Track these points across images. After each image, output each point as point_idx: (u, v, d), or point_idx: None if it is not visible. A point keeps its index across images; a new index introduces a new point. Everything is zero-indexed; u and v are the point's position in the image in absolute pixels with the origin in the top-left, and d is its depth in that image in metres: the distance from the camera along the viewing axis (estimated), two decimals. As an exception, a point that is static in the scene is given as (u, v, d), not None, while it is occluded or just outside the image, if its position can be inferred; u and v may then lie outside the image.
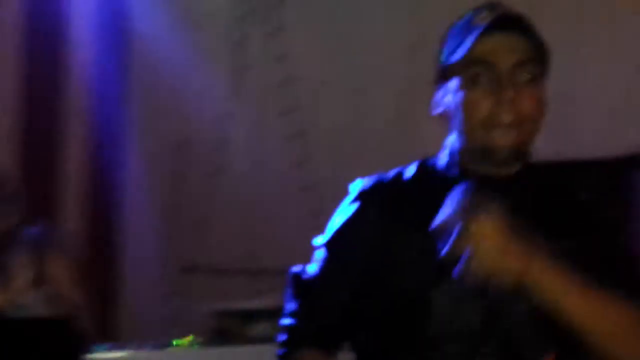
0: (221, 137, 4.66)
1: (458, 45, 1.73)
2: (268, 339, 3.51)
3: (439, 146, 4.53)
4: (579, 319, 1.62)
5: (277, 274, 4.43)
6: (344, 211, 1.81)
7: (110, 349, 3.49)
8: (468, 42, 1.70)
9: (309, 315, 1.83)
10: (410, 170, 1.82)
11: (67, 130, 4.56)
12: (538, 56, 1.72)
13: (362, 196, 1.79)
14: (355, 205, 1.79)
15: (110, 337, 3.98)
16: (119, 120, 4.78)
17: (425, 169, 1.82)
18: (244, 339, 3.50)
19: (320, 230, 4.92)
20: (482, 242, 1.56)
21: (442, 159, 1.82)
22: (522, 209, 1.66)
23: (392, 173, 1.82)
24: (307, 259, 4.96)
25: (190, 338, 3.66)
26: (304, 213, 4.36)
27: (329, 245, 1.82)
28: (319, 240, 1.84)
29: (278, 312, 3.66)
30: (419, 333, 1.68)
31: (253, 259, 4.49)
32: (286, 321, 1.85)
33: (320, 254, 1.83)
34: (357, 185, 1.82)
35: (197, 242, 4.49)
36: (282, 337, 1.84)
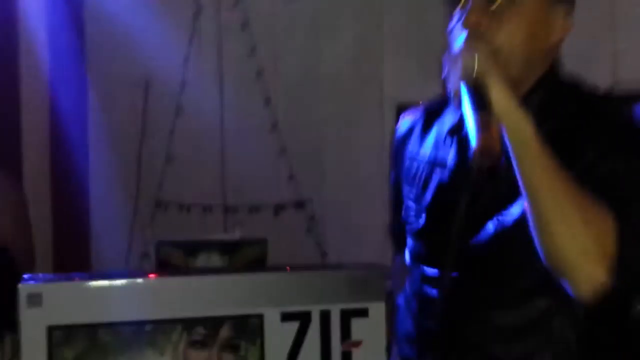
0: (181, 79, 4.75)
1: None
2: (207, 271, 2.99)
3: (393, 86, 4.80)
4: (535, 179, 1.61)
5: (245, 210, 4.59)
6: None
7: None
8: None
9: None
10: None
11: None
12: None
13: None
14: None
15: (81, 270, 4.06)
16: (77, 59, 4.80)
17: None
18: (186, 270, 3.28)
19: (285, 167, 5.06)
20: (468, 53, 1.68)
21: None
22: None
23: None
24: (274, 195, 5.05)
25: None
26: (269, 151, 4.52)
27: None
28: None
29: (222, 245, 3.48)
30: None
31: (221, 195, 4.62)
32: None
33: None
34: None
35: (164, 178, 4.59)
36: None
